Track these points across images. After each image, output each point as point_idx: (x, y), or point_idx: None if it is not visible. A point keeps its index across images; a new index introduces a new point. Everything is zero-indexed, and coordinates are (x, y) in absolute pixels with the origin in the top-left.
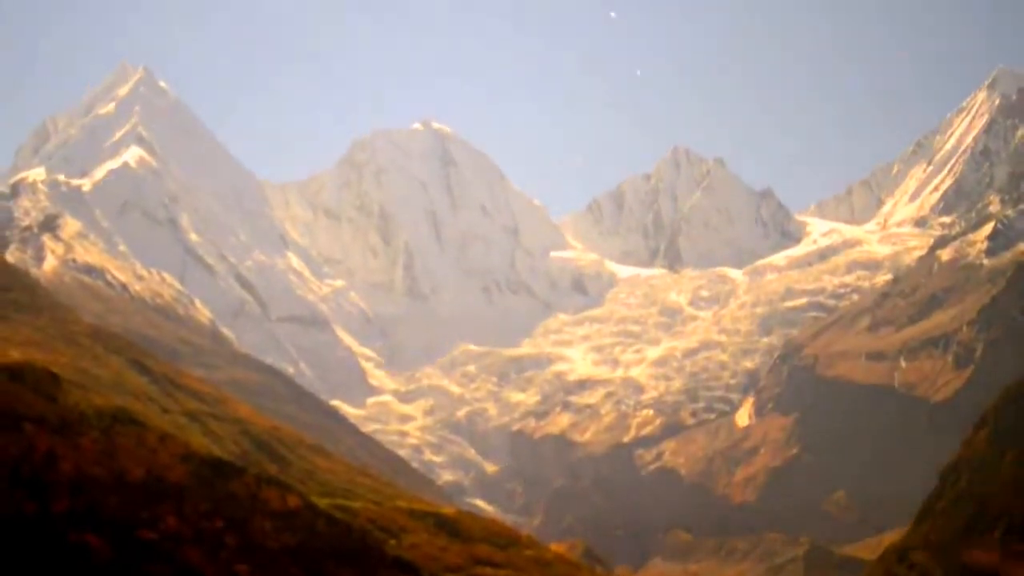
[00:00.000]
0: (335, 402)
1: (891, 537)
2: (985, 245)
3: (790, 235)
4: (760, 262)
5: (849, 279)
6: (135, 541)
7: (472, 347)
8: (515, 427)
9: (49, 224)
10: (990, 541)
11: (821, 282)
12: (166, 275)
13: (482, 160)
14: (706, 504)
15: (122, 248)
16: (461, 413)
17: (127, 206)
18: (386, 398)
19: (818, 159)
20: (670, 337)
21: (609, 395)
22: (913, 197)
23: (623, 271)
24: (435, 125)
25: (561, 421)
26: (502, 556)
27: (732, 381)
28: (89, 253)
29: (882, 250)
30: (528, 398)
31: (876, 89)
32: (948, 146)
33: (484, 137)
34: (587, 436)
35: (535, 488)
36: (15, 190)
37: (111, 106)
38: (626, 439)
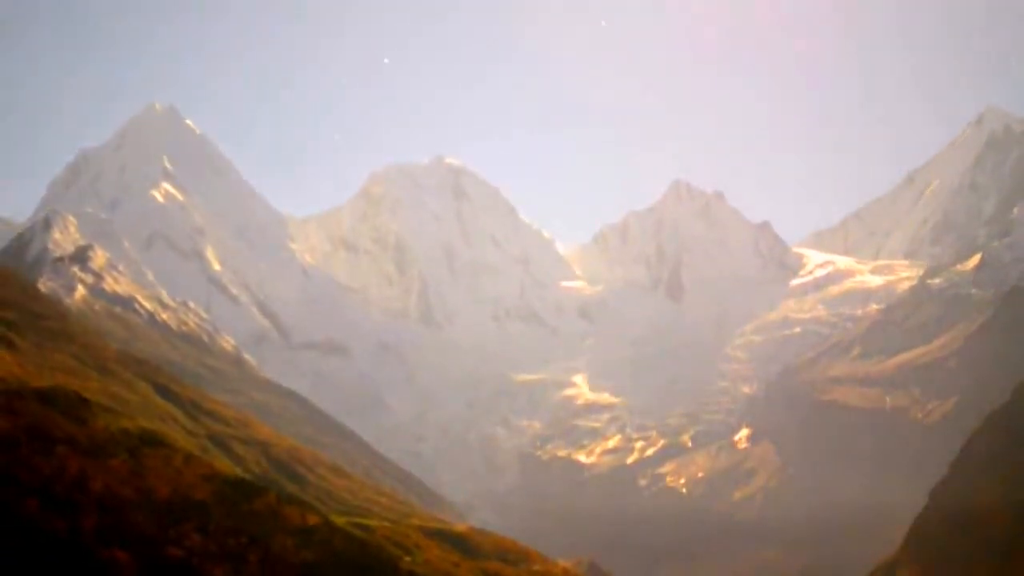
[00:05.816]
0: (352, 424)
1: (883, 555)
2: (973, 276)
3: (787, 266)
4: (758, 292)
5: (843, 308)
6: (161, 557)
7: (483, 372)
8: (524, 449)
9: (80, 255)
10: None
11: (816, 311)
12: (191, 304)
13: (493, 193)
14: (706, 522)
15: (149, 278)
16: (473, 435)
17: (154, 238)
18: (401, 420)
19: (813, 192)
20: (672, 363)
21: (613, 419)
22: (904, 229)
23: (627, 300)
24: (447, 160)
25: (567, 444)
26: (512, 572)
27: (731, 405)
28: (118, 283)
29: (874, 281)
30: (536, 421)
31: (869, 124)
32: (938, 180)
33: (495, 171)
34: (592, 458)
35: (543, 507)
36: (47, 222)
37: (140, 142)
38: (629, 460)
